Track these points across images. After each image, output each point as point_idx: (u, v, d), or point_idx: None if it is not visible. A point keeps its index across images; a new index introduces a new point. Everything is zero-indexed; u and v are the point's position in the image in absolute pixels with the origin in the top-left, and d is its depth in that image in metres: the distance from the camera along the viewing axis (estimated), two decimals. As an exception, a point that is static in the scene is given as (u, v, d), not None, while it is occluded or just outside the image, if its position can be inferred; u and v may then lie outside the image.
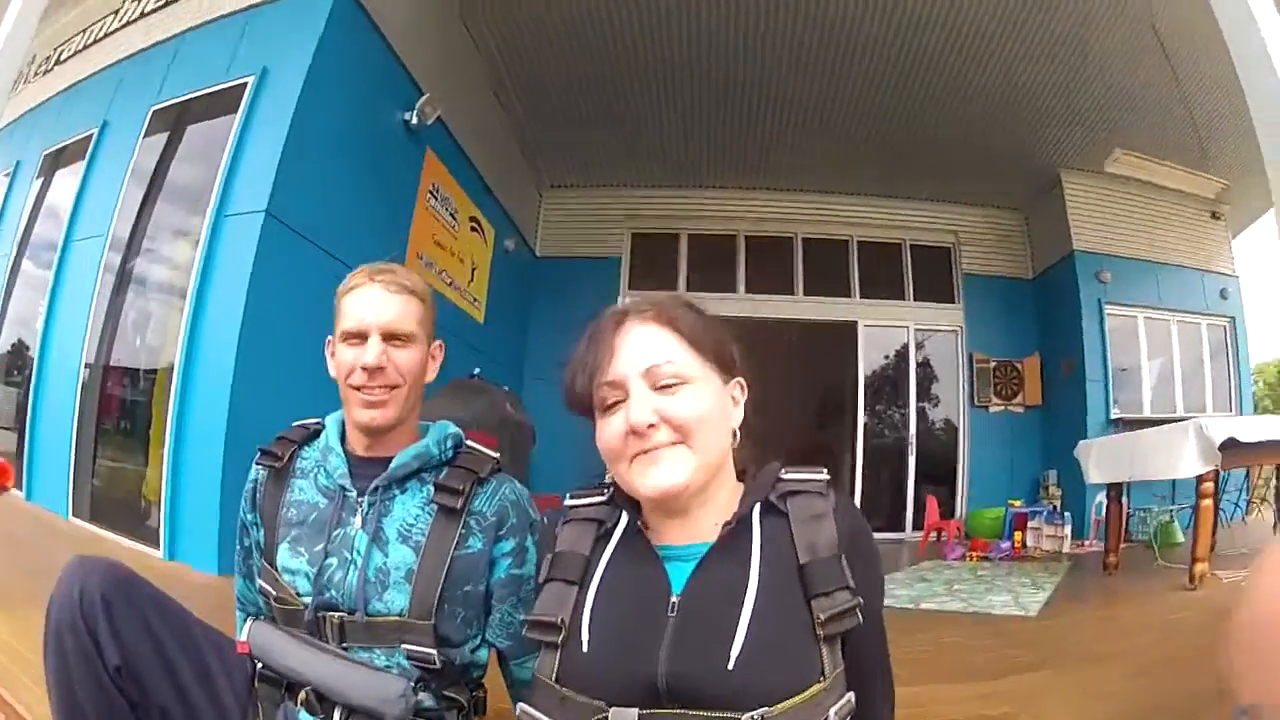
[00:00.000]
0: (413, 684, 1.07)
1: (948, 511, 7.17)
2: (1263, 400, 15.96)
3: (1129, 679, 2.18)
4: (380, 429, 1.16)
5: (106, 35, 5.10)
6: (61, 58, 5.49)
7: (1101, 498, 5.11)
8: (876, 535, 0.94)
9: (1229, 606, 0.57)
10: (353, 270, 1.21)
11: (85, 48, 5.28)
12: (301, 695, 1.08)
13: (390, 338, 1.15)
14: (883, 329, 7.95)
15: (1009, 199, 7.94)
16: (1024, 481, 7.35)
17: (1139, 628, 3.00)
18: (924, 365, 8.03)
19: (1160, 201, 7.49)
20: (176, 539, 3.40)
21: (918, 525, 7.15)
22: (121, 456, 4.09)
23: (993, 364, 7.79)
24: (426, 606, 1.09)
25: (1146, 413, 7.08)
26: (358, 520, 1.13)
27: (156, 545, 3.43)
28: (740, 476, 0.96)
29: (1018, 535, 6.00)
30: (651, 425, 0.85)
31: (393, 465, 1.14)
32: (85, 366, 4.22)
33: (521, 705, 0.86)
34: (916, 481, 7.58)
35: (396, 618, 1.09)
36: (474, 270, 6.05)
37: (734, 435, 0.93)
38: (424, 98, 4.72)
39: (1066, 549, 5.70)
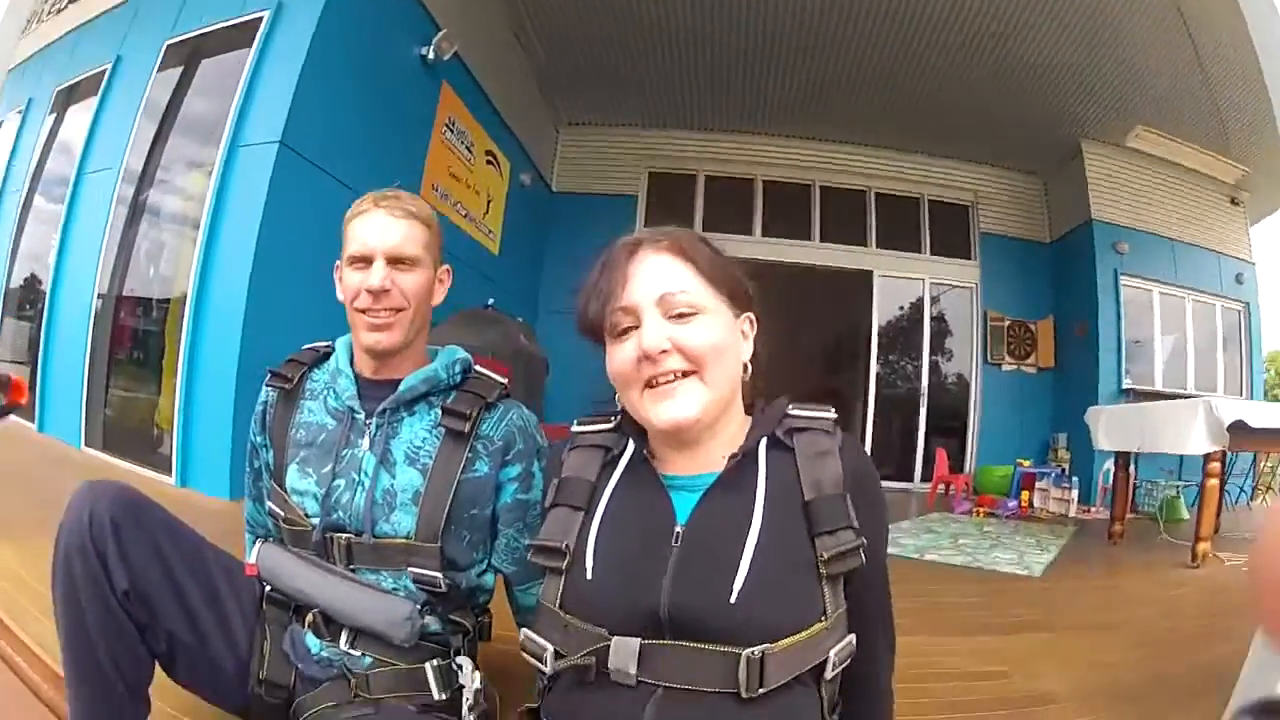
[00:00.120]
0: (419, 607, 1.08)
1: (957, 465, 7.16)
2: (1273, 389, 15.89)
3: (1127, 650, 2.17)
4: (386, 352, 1.16)
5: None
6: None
7: (1109, 466, 5.10)
8: (885, 484, 0.93)
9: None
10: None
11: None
12: (309, 618, 1.09)
13: (395, 261, 1.14)
14: (898, 281, 7.89)
15: (1029, 164, 7.84)
16: (1033, 442, 7.33)
17: (1140, 600, 3.00)
18: (938, 319, 7.98)
19: (1180, 181, 7.41)
20: (188, 466, 3.45)
21: (926, 477, 7.15)
22: (134, 386, 4.13)
23: (1007, 323, 7.73)
24: (433, 529, 1.09)
25: (1158, 385, 7.05)
26: (365, 442, 1.13)
27: (169, 472, 3.49)
28: (748, 410, 0.94)
29: (1025, 495, 6.01)
30: (664, 351, 0.83)
31: (400, 388, 1.14)
32: (98, 297, 4.23)
33: (525, 630, 0.86)
34: (927, 434, 7.59)
35: (403, 540, 1.09)
36: (489, 203, 6.02)
37: (744, 368, 0.91)
38: (440, 33, 4.66)
39: (1072, 513, 5.71)
